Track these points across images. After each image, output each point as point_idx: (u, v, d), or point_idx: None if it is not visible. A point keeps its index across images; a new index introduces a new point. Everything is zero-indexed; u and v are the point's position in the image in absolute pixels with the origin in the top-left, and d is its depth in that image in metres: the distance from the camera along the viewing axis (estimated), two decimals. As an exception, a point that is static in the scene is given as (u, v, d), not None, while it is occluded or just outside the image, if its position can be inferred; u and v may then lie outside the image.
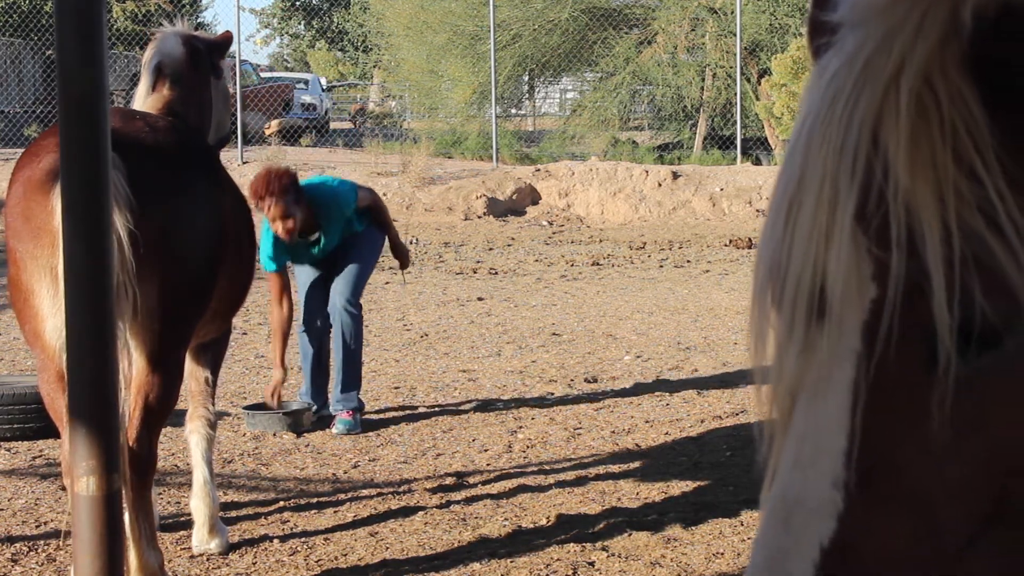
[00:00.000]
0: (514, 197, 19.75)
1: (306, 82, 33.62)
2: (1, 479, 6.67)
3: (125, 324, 4.60)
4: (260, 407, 7.76)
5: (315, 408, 7.83)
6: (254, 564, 5.47)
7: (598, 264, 14.98)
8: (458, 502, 6.27)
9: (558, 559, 5.46)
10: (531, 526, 5.90)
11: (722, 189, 19.55)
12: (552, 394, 8.56)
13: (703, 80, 24.78)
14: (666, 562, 5.41)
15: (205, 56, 5.88)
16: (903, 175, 0.97)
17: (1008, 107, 0.97)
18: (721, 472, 6.70)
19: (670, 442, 7.35)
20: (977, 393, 0.97)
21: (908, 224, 0.97)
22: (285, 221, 7.27)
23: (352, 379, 7.74)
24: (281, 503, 6.28)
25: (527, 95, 30.45)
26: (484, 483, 6.60)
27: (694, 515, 6.00)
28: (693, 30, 24.92)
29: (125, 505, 4.54)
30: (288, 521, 6.02)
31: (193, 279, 4.95)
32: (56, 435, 6.07)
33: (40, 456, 7.07)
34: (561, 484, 6.55)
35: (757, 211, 18.96)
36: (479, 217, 19.24)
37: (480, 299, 12.48)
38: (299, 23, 54.73)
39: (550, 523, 5.92)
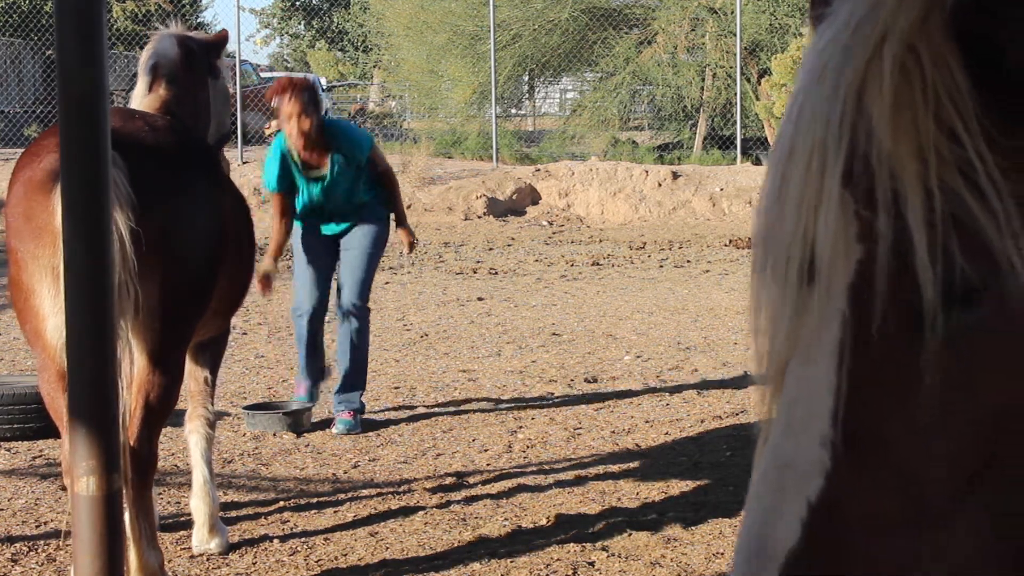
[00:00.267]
0: (514, 197, 19.74)
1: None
2: (1, 479, 6.67)
3: (127, 323, 4.61)
4: (260, 407, 7.78)
5: (311, 384, 7.83)
6: (254, 564, 5.47)
7: (598, 264, 14.97)
8: (458, 502, 6.27)
9: (558, 559, 5.46)
10: (531, 526, 5.90)
11: (722, 189, 19.54)
12: (552, 394, 8.55)
13: (703, 80, 24.76)
14: (666, 562, 5.41)
15: (201, 56, 5.89)
16: (886, 138, 0.99)
17: (991, 84, 0.99)
18: (721, 472, 6.70)
19: (670, 442, 7.35)
20: (960, 353, 0.99)
21: (892, 187, 0.99)
22: (301, 120, 7.35)
23: (357, 379, 7.72)
24: (281, 503, 6.28)
25: (527, 95, 30.43)
26: (484, 483, 6.60)
27: (694, 515, 6.00)
28: (693, 30, 24.90)
29: (125, 505, 4.54)
30: (288, 521, 6.02)
31: (193, 278, 4.96)
32: (56, 435, 6.07)
33: (40, 456, 7.07)
34: (561, 484, 6.55)
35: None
36: (479, 217, 19.24)
37: (480, 299, 12.48)
38: (299, 23, 54.66)
39: (550, 523, 5.92)
